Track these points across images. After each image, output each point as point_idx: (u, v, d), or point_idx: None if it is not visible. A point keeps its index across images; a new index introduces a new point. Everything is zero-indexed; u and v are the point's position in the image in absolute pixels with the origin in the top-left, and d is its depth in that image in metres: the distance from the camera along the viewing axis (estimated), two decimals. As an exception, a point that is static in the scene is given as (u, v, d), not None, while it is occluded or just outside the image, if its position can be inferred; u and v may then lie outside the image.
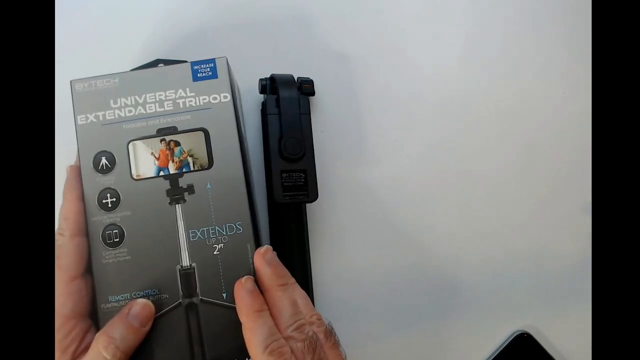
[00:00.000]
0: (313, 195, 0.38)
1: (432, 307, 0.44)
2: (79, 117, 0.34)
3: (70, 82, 0.35)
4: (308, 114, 0.40)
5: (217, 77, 0.35)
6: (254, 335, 0.30)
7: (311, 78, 0.43)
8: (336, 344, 0.31)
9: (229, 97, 0.35)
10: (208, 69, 0.35)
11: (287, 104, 0.39)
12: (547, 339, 0.44)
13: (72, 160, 0.34)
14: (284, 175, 0.38)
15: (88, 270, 0.33)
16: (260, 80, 0.42)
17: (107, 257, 0.33)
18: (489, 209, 0.45)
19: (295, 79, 0.41)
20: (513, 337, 0.44)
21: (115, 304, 0.32)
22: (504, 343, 0.44)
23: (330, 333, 0.32)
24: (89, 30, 0.44)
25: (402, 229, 0.44)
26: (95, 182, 0.33)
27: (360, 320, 0.43)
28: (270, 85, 0.41)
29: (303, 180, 0.38)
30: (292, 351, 0.29)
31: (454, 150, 0.46)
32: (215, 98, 0.35)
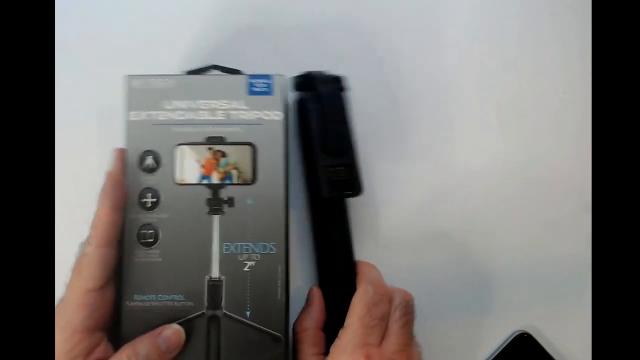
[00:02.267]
0: (358, 189, 0.38)
1: (431, 307, 0.44)
2: (132, 113, 0.34)
3: (128, 77, 0.34)
4: (348, 108, 0.39)
5: (272, 94, 0.35)
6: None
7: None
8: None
9: (282, 116, 0.35)
10: (264, 85, 0.35)
11: (330, 99, 0.38)
12: (547, 339, 0.44)
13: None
14: (329, 170, 0.37)
15: (108, 282, 0.32)
16: (296, 77, 0.41)
17: (138, 255, 0.33)
18: (488, 209, 0.45)
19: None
20: (513, 337, 0.44)
21: (140, 304, 0.32)
22: (504, 343, 0.44)
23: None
24: (88, 35, 0.44)
25: (401, 230, 0.44)
26: (137, 181, 0.34)
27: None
28: (307, 83, 0.40)
29: (348, 174, 0.38)
30: None
31: (454, 150, 0.46)
32: (267, 115, 0.35)
